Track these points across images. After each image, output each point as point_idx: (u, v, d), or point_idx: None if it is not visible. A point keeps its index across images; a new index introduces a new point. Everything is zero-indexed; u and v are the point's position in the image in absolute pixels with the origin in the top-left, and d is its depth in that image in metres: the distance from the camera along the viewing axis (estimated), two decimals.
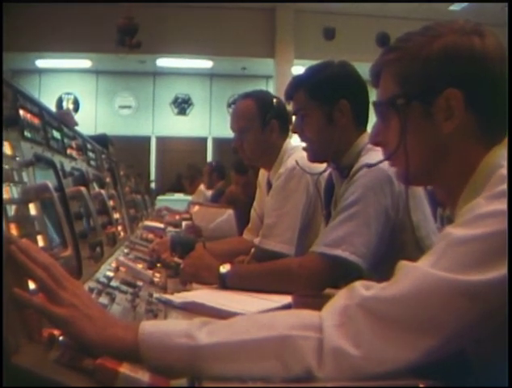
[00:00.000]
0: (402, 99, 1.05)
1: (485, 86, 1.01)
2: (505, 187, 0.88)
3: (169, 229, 3.62)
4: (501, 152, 0.99)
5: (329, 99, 1.78)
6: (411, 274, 0.86)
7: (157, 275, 1.87)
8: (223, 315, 1.18)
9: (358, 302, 0.87)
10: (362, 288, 0.89)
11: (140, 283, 1.63)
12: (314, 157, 1.87)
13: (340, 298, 0.90)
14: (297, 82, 1.87)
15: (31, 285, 0.91)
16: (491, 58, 1.01)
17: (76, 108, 10.41)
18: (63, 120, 1.85)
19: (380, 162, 1.23)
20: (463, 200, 1.00)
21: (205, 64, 9.98)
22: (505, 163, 0.94)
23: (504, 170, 0.92)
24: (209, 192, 5.56)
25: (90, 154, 2.25)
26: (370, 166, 1.41)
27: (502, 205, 0.85)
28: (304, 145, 1.87)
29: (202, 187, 6.20)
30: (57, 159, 1.49)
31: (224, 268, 1.76)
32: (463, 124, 1.01)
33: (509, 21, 4.20)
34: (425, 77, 1.03)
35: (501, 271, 0.81)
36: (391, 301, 0.85)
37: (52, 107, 8.47)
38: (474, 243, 0.84)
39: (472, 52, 1.01)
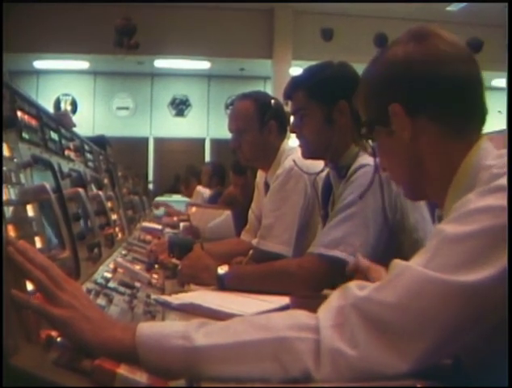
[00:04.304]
0: (366, 127, 1.10)
1: (430, 88, 1.01)
2: (498, 182, 0.88)
3: (167, 230, 3.62)
4: (481, 151, 1.00)
5: (328, 100, 1.78)
6: (404, 274, 0.86)
7: (155, 276, 1.87)
8: (220, 316, 1.18)
9: (352, 302, 0.87)
10: (356, 289, 0.89)
11: (137, 284, 1.62)
12: (310, 154, 1.87)
13: (335, 298, 0.90)
14: (296, 81, 1.86)
15: (30, 286, 0.91)
16: (435, 61, 1.02)
17: (74, 110, 10.37)
18: (61, 121, 1.84)
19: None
20: (449, 200, 1.01)
21: (203, 65, 9.96)
22: (492, 162, 0.95)
23: (496, 170, 0.93)
24: (207, 193, 5.55)
25: (88, 156, 2.25)
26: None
27: (494, 200, 0.85)
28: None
29: (199, 188, 6.19)
30: (55, 160, 1.49)
31: (222, 269, 1.77)
32: (421, 131, 1.03)
33: (509, 21, 4.20)
34: (375, 100, 1.08)
35: (496, 267, 0.81)
36: (384, 305, 0.84)
37: (50, 109, 8.43)
38: (467, 241, 0.84)
39: (406, 60, 1.03)
